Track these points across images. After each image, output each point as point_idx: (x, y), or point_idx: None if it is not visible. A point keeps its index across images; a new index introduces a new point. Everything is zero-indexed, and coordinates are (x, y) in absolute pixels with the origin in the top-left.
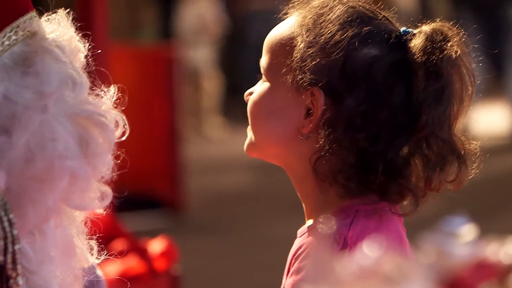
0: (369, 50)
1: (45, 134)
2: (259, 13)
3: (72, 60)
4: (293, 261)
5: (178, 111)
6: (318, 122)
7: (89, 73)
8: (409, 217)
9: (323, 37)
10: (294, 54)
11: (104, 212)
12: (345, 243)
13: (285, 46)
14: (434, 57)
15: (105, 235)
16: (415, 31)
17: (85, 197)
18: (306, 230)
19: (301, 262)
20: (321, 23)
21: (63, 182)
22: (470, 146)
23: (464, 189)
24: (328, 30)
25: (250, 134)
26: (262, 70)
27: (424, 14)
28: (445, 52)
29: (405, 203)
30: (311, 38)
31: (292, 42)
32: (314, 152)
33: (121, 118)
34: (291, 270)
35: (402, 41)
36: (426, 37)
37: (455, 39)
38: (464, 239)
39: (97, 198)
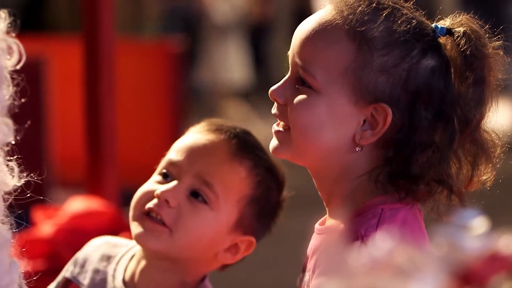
0: (428, 61)
1: None
2: None
3: None
4: (315, 257)
5: (182, 105)
6: (381, 136)
7: None
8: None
9: (384, 53)
10: (352, 68)
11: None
12: None
13: (338, 60)
14: (477, 62)
15: (110, 229)
16: (445, 27)
17: None
18: (329, 228)
19: (322, 259)
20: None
21: None
22: (500, 141)
23: None
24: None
25: (281, 137)
26: (309, 79)
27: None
28: (484, 53)
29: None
30: (371, 49)
31: (347, 54)
32: (372, 164)
33: (16, 45)
34: (315, 266)
35: (435, 38)
36: (464, 38)
37: (486, 36)
38: (476, 231)
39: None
